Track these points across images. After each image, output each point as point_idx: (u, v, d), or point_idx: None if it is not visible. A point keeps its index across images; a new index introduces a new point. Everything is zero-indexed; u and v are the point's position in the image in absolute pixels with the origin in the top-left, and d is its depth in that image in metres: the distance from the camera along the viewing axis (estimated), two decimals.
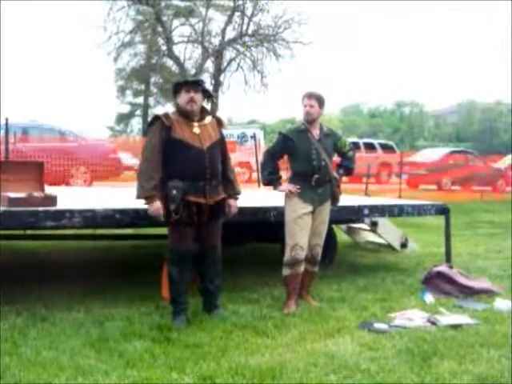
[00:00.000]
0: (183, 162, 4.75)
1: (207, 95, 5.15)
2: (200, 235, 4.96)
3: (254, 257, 8.07)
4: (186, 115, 4.87)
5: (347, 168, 5.71)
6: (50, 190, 5.91)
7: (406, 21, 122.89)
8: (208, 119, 5.00)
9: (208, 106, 5.24)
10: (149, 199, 4.73)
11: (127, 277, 6.51)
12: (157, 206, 4.72)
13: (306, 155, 5.38)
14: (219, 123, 5.12)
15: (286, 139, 5.48)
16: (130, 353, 4.09)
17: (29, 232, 7.27)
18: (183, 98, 4.86)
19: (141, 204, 4.89)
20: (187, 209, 4.76)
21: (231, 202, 5.14)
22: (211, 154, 4.86)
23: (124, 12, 26.09)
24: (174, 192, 4.68)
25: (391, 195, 15.42)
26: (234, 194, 5.17)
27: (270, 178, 5.54)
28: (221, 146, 5.04)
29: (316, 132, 5.46)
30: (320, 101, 5.44)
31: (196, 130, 4.85)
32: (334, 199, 5.59)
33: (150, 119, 5.03)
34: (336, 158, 5.73)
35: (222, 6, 27.70)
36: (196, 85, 4.95)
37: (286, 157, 5.65)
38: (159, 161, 4.75)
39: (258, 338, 4.51)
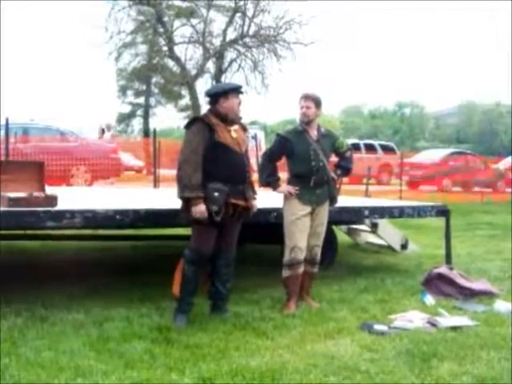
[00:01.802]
0: (226, 166, 4.84)
1: None
2: (218, 235, 4.97)
3: (253, 258, 8.05)
4: (224, 119, 4.93)
5: (345, 168, 5.72)
6: (50, 190, 5.91)
7: (406, 22, 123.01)
8: (236, 125, 5.08)
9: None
10: (194, 200, 4.75)
11: (127, 277, 6.51)
12: (202, 207, 4.75)
13: (304, 156, 5.38)
14: (244, 128, 5.22)
15: (284, 141, 5.49)
16: (129, 353, 4.09)
17: (29, 232, 7.26)
18: (234, 102, 4.97)
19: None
20: (225, 211, 4.83)
21: (254, 202, 5.22)
22: (247, 158, 5.04)
23: (125, 12, 26.04)
24: (216, 194, 4.75)
25: (392, 196, 15.41)
26: (254, 195, 5.27)
27: (269, 180, 5.55)
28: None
29: (314, 133, 5.47)
30: (316, 102, 5.44)
31: (234, 134, 4.95)
32: (332, 200, 5.60)
33: (188, 120, 5.08)
34: (334, 159, 5.74)
35: (223, 7, 27.66)
36: (241, 90, 5.13)
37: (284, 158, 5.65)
38: (200, 162, 4.80)
39: (257, 339, 4.51)
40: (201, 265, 4.91)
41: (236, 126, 5.04)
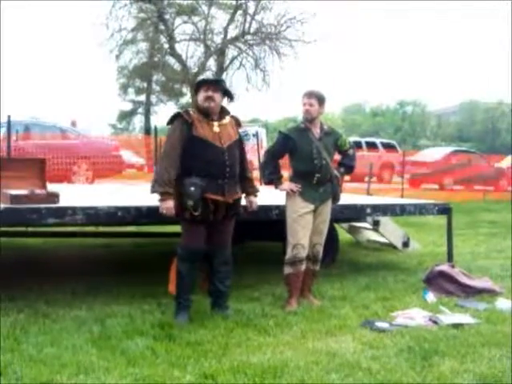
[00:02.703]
0: (203, 160, 4.77)
1: (228, 95, 5.18)
2: (211, 234, 4.97)
3: (255, 255, 8.06)
4: (205, 114, 4.89)
5: (348, 166, 5.71)
6: (52, 187, 5.91)
7: (408, 20, 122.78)
8: (227, 119, 5.03)
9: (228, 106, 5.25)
10: (163, 196, 4.75)
11: (129, 274, 6.52)
12: (169, 204, 4.74)
13: (307, 154, 5.38)
14: (237, 123, 5.15)
15: (287, 138, 5.48)
16: (131, 350, 4.09)
17: (31, 229, 7.27)
18: (201, 95, 4.89)
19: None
20: (205, 206, 4.78)
21: (252, 198, 5.23)
22: (230, 153, 4.90)
23: (126, 10, 26.05)
24: (192, 189, 4.70)
25: (393, 194, 15.41)
26: (254, 191, 5.24)
27: (271, 178, 5.54)
28: (239, 145, 5.09)
29: (316, 131, 5.46)
30: (320, 99, 5.43)
31: (216, 128, 4.88)
32: (335, 198, 5.60)
33: (170, 116, 5.02)
34: (336, 157, 5.74)
35: (224, 5, 27.65)
36: (215, 84, 4.98)
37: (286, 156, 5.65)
38: (177, 157, 4.78)
39: (259, 336, 4.51)
40: (193, 261, 4.88)
41: (225, 120, 4.97)
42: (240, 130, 5.22)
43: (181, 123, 4.84)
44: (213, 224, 4.93)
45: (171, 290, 5.20)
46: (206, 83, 4.97)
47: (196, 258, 4.89)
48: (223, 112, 5.03)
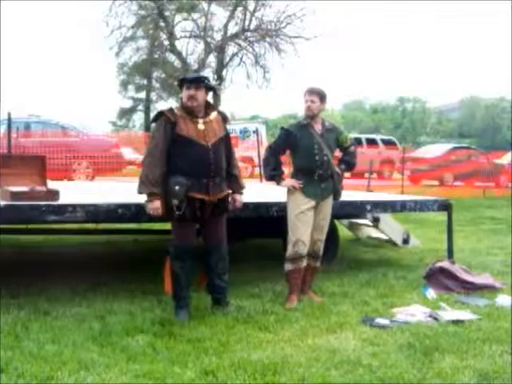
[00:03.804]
0: (187, 159, 4.72)
1: (212, 90, 5.13)
2: (205, 232, 4.97)
3: (256, 252, 8.06)
4: (189, 111, 4.85)
5: (349, 163, 5.71)
6: (52, 184, 5.91)
7: (409, 17, 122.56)
8: (213, 115, 4.97)
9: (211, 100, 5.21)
10: (149, 197, 4.73)
11: (129, 271, 6.52)
12: (156, 205, 4.72)
13: (309, 150, 5.37)
14: (224, 119, 5.10)
15: (289, 134, 5.47)
16: (132, 347, 4.10)
17: (31, 226, 7.27)
18: (184, 94, 4.84)
19: (143, 199, 4.89)
20: (190, 205, 4.76)
21: (236, 196, 5.16)
22: (216, 151, 4.85)
23: (126, 7, 26.10)
24: (177, 188, 4.67)
25: (393, 191, 15.40)
26: (239, 189, 5.19)
27: (273, 174, 5.53)
28: (226, 142, 5.04)
29: (318, 127, 5.46)
30: (321, 96, 5.43)
31: (201, 126, 4.83)
32: (336, 194, 5.59)
33: (153, 114, 5.00)
34: (337, 153, 5.73)
35: (224, 1, 27.63)
36: (196, 82, 4.87)
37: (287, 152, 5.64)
38: (161, 156, 4.74)
39: (259, 333, 4.52)
40: (185, 259, 4.85)
41: (211, 117, 4.92)
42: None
43: (164, 122, 4.79)
44: (204, 222, 4.93)
45: (167, 291, 5.21)
46: (187, 82, 4.87)
47: (187, 255, 4.86)
48: (209, 108, 4.97)
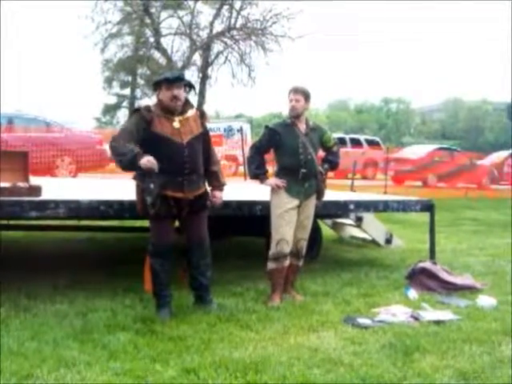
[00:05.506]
0: (162, 157, 4.65)
1: (190, 87, 5.10)
2: (186, 229, 4.95)
3: (238, 250, 8.06)
4: (167, 110, 4.82)
5: (332, 163, 5.73)
6: (34, 180, 5.86)
7: (393, 18, 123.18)
8: (191, 112, 4.95)
9: (195, 97, 5.18)
10: (137, 157, 4.54)
11: (111, 269, 6.48)
12: (148, 156, 4.54)
13: (293, 149, 5.38)
14: (202, 116, 5.08)
15: (273, 133, 5.48)
16: (113, 344, 4.07)
17: (12, 222, 7.20)
18: (166, 95, 4.78)
19: (126, 195, 4.87)
20: (165, 203, 4.74)
21: (216, 193, 5.14)
22: (191, 149, 4.83)
23: (112, 3, 25.90)
24: (151, 185, 4.62)
25: (377, 191, 15.45)
26: (219, 185, 5.17)
27: (257, 172, 5.53)
28: (204, 139, 5.00)
29: (302, 126, 5.47)
30: (306, 95, 5.44)
31: (176, 124, 4.81)
32: (319, 194, 5.61)
33: (130, 111, 4.97)
34: (321, 153, 5.75)
35: None
36: (178, 81, 4.82)
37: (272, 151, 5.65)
38: (128, 136, 4.67)
39: (241, 332, 4.52)
40: (164, 257, 4.84)
41: (188, 114, 4.89)
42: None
43: (139, 119, 4.77)
44: (183, 220, 4.92)
45: (147, 289, 5.19)
46: (169, 81, 4.79)
47: (166, 253, 4.85)
48: (187, 105, 4.94)
